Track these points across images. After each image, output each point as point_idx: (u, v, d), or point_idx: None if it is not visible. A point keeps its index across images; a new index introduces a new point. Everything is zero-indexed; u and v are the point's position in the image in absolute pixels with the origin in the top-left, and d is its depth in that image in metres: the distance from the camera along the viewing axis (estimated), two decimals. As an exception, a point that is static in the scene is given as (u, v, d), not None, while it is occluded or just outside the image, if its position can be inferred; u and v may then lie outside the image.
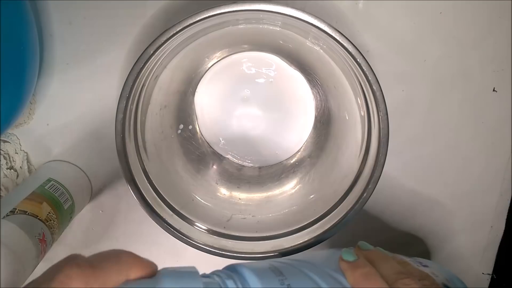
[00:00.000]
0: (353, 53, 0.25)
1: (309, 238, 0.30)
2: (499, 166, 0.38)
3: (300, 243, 0.29)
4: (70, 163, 0.37)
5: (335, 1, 0.33)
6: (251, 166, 0.37)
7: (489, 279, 0.41)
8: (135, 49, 0.34)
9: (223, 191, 0.36)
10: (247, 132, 0.35)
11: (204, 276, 0.20)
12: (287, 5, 0.24)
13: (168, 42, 0.25)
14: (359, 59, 0.25)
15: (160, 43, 0.25)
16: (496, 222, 0.39)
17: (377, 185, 0.28)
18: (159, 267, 0.35)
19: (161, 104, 0.33)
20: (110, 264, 0.18)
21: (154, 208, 0.29)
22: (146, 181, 0.30)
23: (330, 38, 0.25)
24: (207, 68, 0.34)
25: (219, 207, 0.34)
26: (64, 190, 0.34)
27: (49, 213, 0.31)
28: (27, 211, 0.30)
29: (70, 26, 0.34)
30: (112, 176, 0.37)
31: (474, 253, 0.40)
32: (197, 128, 0.35)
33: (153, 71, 0.29)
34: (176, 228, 0.30)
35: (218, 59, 0.34)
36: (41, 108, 0.36)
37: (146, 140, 0.31)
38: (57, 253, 0.39)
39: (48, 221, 0.31)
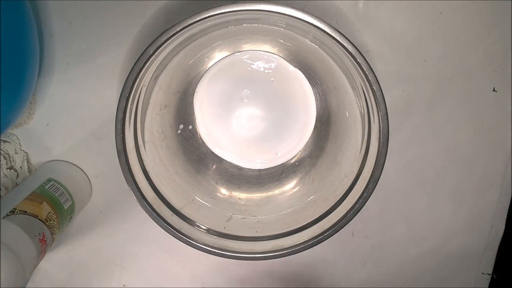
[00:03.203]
0: (353, 53, 0.25)
1: (309, 238, 0.30)
2: (499, 166, 0.38)
3: (300, 243, 0.29)
4: (70, 163, 0.37)
5: (335, 1, 0.33)
6: (251, 167, 0.37)
7: (489, 279, 0.41)
8: (135, 49, 0.34)
9: (223, 191, 0.36)
10: (247, 132, 0.35)
11: None
12: (287, 5, 0.24)
13: (168, 42, 0.25)
14: (359, 59, 0.25)
15: (160, 43, 0.25)
16: (496, 222, 0.39)
17: (377, 185, 0.28)
18: (159, 267, 0.36)
19: (161, 104, 0.33)
20: None
21: (154, 208, 0.29)
22: (146, 181, 0.30)
23: (330, 38, 0.25)
24: (207, 68, 0.34)
25: (219, 207, 0.34)
26: (64, 190, 0.34)
27: (49, 213, 0.31)
28: (27, 211, 0.30)
29: (70, 26, 0.34)
30: (112, 176, 0.37)
31: (474, 253, 0.40)
32: (197, 128, 0.35)
33: (153, 71, 0.29)
34: (176, 228, 0.30)
35: (218, 59, 0.34)
36: (41, 108, 0.36)
37: (146, 140, 0.31)
38: (57, 253, 0.40)
39: (48, 221, 0.31)
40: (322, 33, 0.25)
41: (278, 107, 0.35)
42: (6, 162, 0.36)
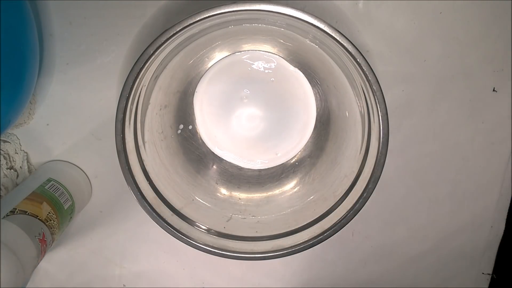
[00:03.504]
0: (353, 53, 0.25)
1: (309, 238, 0.30)
2: (499, 166, 0.38)
3: (300, 243, 0.29)
4: (70, 163, 0.37)
5: (335, 1, 0.33)
6: (251, 167, 0.37)
7: (489, 279, 0.41)
8: (135, 49, 0.34)
9: (223, 191, 0.36)
10: (247, 132, 0.35)
11: None
12: (287, 5, 0.24)
13: (168, 42, 0.25)
14: (359, 59, 0.25)
15: (160, 43, 0.25)
16: (496, 222, 0.39)
17: (377, 185, 0.28)
18: (159, 267, 0.36)
19: (161, 104, 0.33)
20: None
21: (154, 208, 0.29)
22: (146, 181, 0.30)
23: (330, 38, 0.25)
24: (207, 68, 0.34)
25: (219, 207, 0.34)
26: (64, 190, 0.34)
27: (49, 213, 0.31)
28: (27, 211, 0.30)
29: (70, 26, 0.34)
30: (112, 176, 0.37)
31: (474, 253, 0.40)
32: (197, 128, 0.35)
33: (153, 71, 0.29)
34: (176, 228, 0.30)
35: (218, 59, 0.34)
36: (41, 108, 0.36)
37: (146, 140, 0.31)
38: (57, 253, 0.40)
39: (48, 221, 0.31)
40: (322, 33, 0.25)
41: (278, 107, 0.35)
42: (6, 162, 0.36)
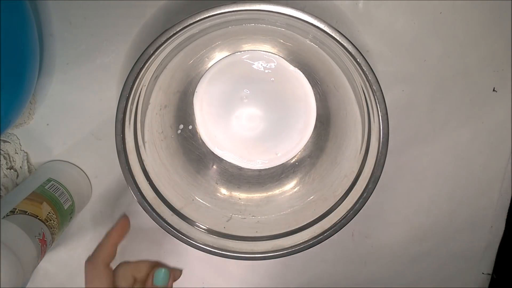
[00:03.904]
0: (353, 53, 0.25)
1: (309, 238, 0.30)
2: (499, 166, 0.38)
3: (300, 243, 0.30)
4: (70, 163, 0.37)
5: (335, 1, 0.33)
6: (251, 167, 0.37)
7: (489, 279, 0.41)
8: (135, 49, 0.34)
9: (223, 191, 0.36)
10: (247, 132, 0.35)
11: None
12: (287, 5, 0.24)
13: (168, 42, 0.25)
14: (359, 59, 0.25)
15: (160, 43, 0.25)
16: (496, 222, 0.39)
17: (377, 185, 0.28)
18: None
19: (161, 104, 0.33)
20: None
21: (154, 208, 0.29)
22: (146, 181, 0.30)
23: (330, 38, 0.25)
24: (207, 68, 0.34)
25: (219, 207, 0.34)
26: (64, 190, 0.34)
27: (49, 213, 0.31)
28: (27, 211, 0.30)
29: (70, 26, 0.34)
30: (112, 176, 0.37)
31: (474, 253, 0.40)
32: (197, 128, 0.35)
33: (153, 71, 0.29)
34: (176, 228, 0.30)
35: (218, 59, 0.34)
36: (41, 108, 0.36)
37: (146, 140, 0.31)
38: (57, 253, 0.40)
39: (48, 221, 0.31)
40: (322, 33, 0.25)
41: (278, 107, 0.35)
42: (6, 162, 0.36)
